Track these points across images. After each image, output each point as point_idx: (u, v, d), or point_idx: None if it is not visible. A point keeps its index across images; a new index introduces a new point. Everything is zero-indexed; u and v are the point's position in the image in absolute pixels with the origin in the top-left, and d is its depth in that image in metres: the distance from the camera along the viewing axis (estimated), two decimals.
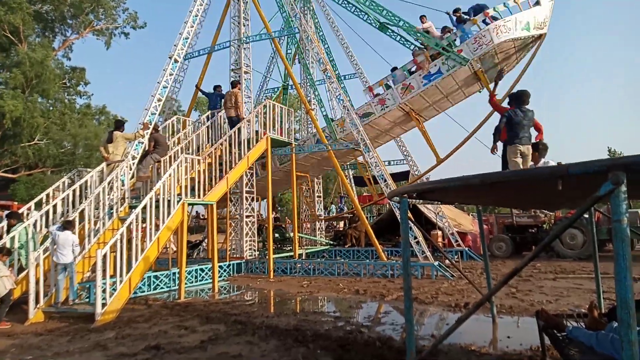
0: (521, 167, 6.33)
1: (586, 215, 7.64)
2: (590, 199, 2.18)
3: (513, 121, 6.44)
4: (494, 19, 13.07)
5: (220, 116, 13.39)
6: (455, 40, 13.50)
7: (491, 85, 12.60)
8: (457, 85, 14.01)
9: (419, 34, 13.64)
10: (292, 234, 15.23)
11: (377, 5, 14.33)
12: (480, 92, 14.89)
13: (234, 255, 13.51)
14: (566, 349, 3.37)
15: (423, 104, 14.35)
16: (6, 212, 10.32)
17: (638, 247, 16.90)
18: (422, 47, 13.96)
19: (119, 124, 10.96)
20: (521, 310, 7.09)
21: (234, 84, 13.19)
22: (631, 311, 2.00)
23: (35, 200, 10.19)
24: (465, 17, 13.72)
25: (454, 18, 14.08)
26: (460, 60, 12.84)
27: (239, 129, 12.01)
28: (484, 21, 13.12)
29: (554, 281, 10.03)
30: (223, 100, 13.22)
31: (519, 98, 6.61)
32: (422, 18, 14.71)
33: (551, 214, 16.99)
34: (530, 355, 4.71)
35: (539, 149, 6.48)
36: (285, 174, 15.73)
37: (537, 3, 13.44)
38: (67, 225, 7.90)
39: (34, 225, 8.74)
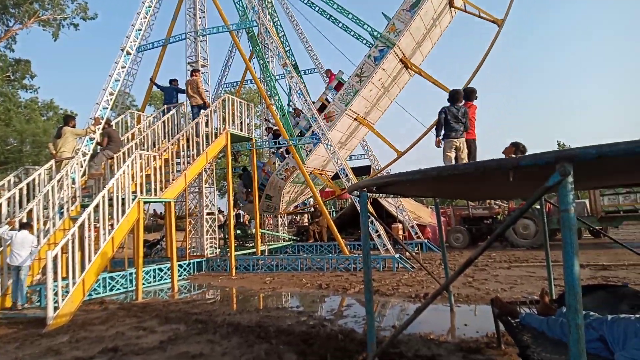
0: (453, 161, 6.91)
1: (538, 206, 7.99)
2: (539, 189, 2.26)
3: (448, 117, 6.96)
4: None
5: (178, 110, 13.05)
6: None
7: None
8: (390, 79, 14.65)
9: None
10: (254, 230, 15.09)
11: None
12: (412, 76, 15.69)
13: (194, 254, 13.25)
14: (519, 335, 3.50)
15: (365, 106, 14.86)
16: None
17: (585, 236, 17.87)
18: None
19: (69, 119, 10.44)
20: (477, 298, 7.33)
21: (193, 72, 13.02)
22: (578, 297, 2.09)
23: None
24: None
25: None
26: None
27: (207, 118, 11.88)
28: None
29: (509, 270, 10.44)
30: (185, 90, 12.98)
31: (453, 97, 7.09)
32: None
33: (505, 205, 17.69)
34: (487, 341, 4.87)
35: (520, 150, 6.53)
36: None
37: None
38: (25, 226, 7.50)
39: None
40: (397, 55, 13.88)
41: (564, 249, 2.11)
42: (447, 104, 7.13)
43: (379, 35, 14.03)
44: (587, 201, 15.54)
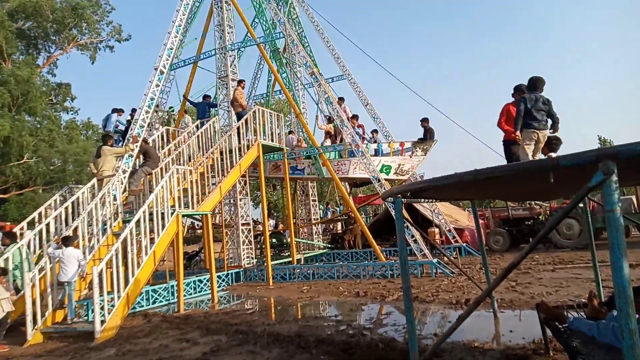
0: (530, 155, 6.13)
1: (581, 205, 7.69)
2: (583, 190, 2.18)
3: (528, 105, 6.17)
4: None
5: (210, 125, 13.36)
6: (326, 147, 14.82)
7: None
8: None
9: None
10: (289, 240, 15.19)
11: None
12: None
13: (232, 264, 13.44)
14: (568, 340, 3.37)
15: None
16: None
17: (634, 234, 17.04)
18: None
19: (107, 139, 10.87)
20: (522, 303, 7.09)
21: (238, 82, 13.96)
22: (629, 299, 2.00)
23: (28, 219, 10.09)
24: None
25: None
26: (319, 174, 14.16)
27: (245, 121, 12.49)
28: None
29: (553, 272, 10.06)
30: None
31: (534, 84, 6.30)
32: (340, 100, 15.77)
33: (546, 205, 17.10)
34: (533, 348, 4.70)
35: (552, 143, 6.22)
36: None
37: (409, 152, 14.73)
38: (68, 241, 7.81)
39: (28, 245, 8.66)
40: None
41: (611, 250, 2.02)
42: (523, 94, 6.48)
43: None
44: (634, 197, 14.82)
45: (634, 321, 2.00)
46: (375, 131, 16.36)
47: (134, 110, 13.83)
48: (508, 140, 7.06)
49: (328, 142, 15.47)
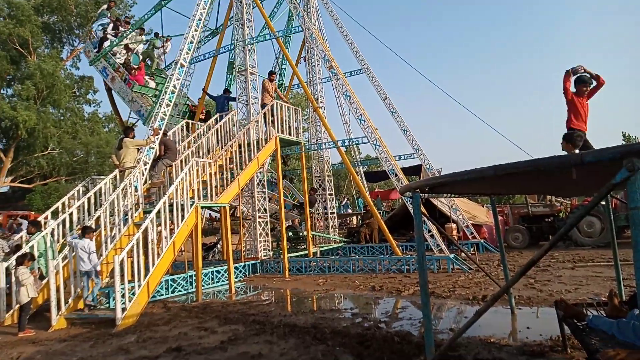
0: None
1: (603, 203, 7.54)
2: (606, 187, 2.16)
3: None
4: None
5: (229, 118, 13.48)
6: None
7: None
8: None
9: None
10: (305, 233, 15.27)
11: None
12: None
13: (249, 256, 13.58)
14: (587, 338, 3.34)
15: None
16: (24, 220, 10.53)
17: None
18: None
19: (128, 131, 11.08)
20: (540, 300, 7.03)
21: (270, 74, 14.26)
22: None
23: (52, 209, 10.37)
24: None
25: None
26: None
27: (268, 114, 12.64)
28: None
29: (573, 270, 9.92)
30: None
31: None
32: None
33: (567, 202, 16.80)
34: (551, 345, 4.67)
35: (573, 137, 6.07)
36: None
37: None
38: (86, 231, 7.98)
39: (52, 233, 8.91)
40: None
41: (634, 248, 2.01)
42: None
43: None
44: None
45: None
46: None
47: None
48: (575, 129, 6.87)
49: None
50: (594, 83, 6.38)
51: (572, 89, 6.48)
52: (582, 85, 6.41)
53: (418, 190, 3.92)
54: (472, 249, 14.34)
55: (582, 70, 6.34)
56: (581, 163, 2.17)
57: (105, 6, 13.36)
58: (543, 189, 5.82)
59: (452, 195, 5.76)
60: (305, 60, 19.21)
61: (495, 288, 7.83)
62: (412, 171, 19.40)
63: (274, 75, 14.46)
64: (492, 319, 5.95)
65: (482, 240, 15.18)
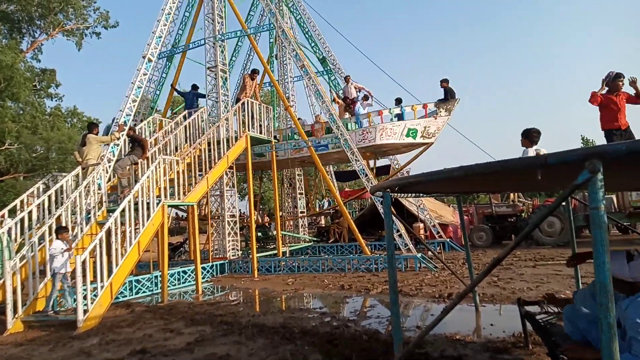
0: None
1: (563, 203, 7.81)
2: (569, 187, 2.23)
3: None
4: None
5: (198, 115, 13.25)
6: (348, 123, 14.41)
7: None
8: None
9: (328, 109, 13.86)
10: (274, 232, 15.19)
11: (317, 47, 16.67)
12: None
13: (217, 256, 13.40)
14: (548, 334, 3.45)
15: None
16: None
17: (613, 232, 17.43)
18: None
19: (92, 127, 10.71)
20: (503, 298, 7.23)
21: (252, 72, 14.25)
22: (610, 295, 2.06)
23: (9, 207, 9.89)
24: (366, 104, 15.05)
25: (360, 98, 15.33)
26: (345, 144, 13.19)
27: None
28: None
29: (534, 268, 10.26)
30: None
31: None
32: (347, 78, 15.93)
33: (529, 202, 17.37)
34: (514, 341, 4.81)
35: (530, 134, 6.24)
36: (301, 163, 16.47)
37: (434, 114, 14.22)
38: (60, 232, 7.62)
39: (8, 233, 8.50)
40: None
41: (595, 247, 2.08)
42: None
43: None
44: (614, 197, 15.15)
45: (613, 315, 2.06)
46: (365, 97, 15.69)
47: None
48: (608, 130, 7.11)
49: (347, 116, 15.34)
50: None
51: (602, 91, 6.93)
52: (618, 81, 6.86)
53: (389, 189, 3.95)
54: (438, 248, 14.62)
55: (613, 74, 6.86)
56: (546, 165, 2.23)
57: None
58: (510, 187, 5.99)
59: (421, 195, 5.85)
60: (276, 59, 19.13)
61: (460, 286, 8.01)
62: (381, 171, 19.62)
63: (256, 74, 14.24)
64: (457, 317, 6.09)
65: (448, 239, 15.51)
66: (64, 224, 8.52)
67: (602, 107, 6.94)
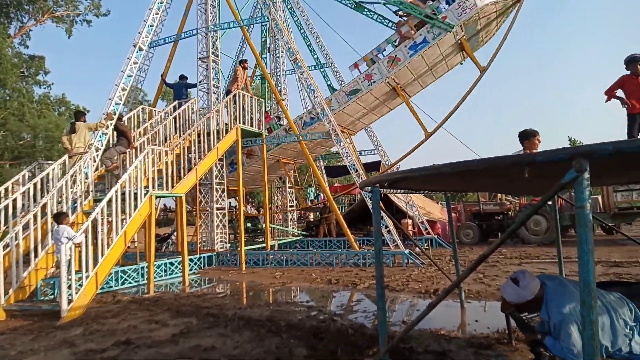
0: None
1: (550, 203, 7.90)
2: (556, 186, 2.24)
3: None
4: None
5: (188, 106, 13.13)
6: (438, 7, 13.28)
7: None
8: (441, 56, 13.92)
9: (401, 5, 13.24)
10: (263, 225, 15.17)
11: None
12: (462, 63, 14.80)
13: (205, 248, 13.34)
14: (530, 331, 3.49)
15: (409, 77, 14.24)
16: None
17: (597, 232, 17.69)
18: (404, 17, 13.77)
19: (80, 115, 10.55)
20: (488, 294, 7.30)
21: (241, 62, 14.21)
22: (593, 294, 2.08)
23: None
24: None
25: None
26: (445, 27, 12.47)
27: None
28: None
29: (520, 266, 10.37)
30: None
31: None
32: None
33: (516, 201, 17.55)
34: (497, 337, 4.86)
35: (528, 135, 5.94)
36: (276, 162, 16.20)
37: None
38: (60, 218, 7.54)
39: None
40: (455, 36, 13.01)
41: (580, 246, 2.09)
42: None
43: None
44: (599, 197, 15.36)
45: (596, 313, 2.09)
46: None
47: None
48: (632, 114, 6.72)
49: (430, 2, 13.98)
50: None
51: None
52: (635, 64, 6.40)
53: (378, 185, 3.95)
54: (426, 244, 14.73)
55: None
56: (533, 162, 2.25)
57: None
58: (496, 187, 6.03)
59: (410, 191, 5.86)
60: (269, 52, 19.02)
61: (446, 282, 8.08)
62: (371, 167, 19.68)
63: (246, 64, 14.17)
64: (442, 312, 6.14)
65: (435, 236, 15.62)
66: (49, 213, 8.41)
67: (623, 90, 6.57)
